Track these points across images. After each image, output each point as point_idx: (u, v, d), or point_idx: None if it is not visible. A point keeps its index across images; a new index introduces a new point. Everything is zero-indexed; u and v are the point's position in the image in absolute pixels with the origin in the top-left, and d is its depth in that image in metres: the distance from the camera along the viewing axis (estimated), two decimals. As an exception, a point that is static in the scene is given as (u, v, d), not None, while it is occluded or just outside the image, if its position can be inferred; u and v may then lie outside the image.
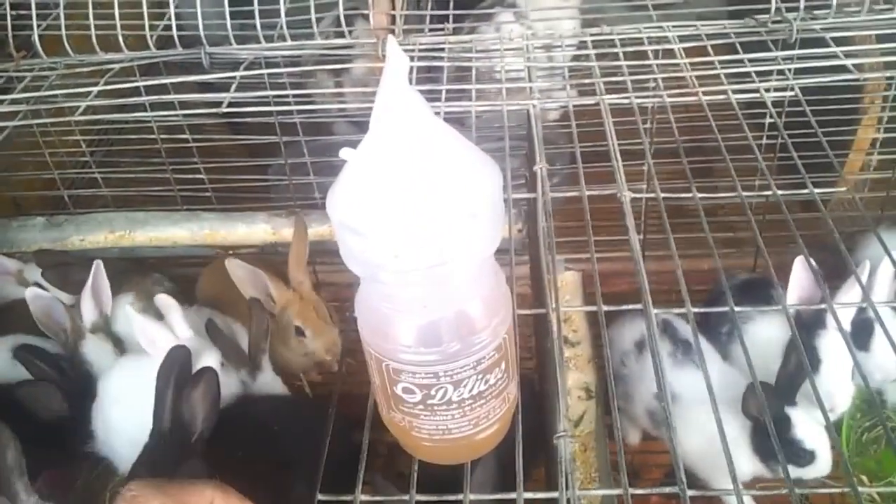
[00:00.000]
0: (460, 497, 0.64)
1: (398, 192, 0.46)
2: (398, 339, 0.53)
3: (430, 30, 1.22)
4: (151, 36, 1.17)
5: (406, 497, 0.65)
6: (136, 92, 1.12)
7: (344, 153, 0.49)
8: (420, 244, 0.46)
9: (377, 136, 0.47)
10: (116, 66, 1.16)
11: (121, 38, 1.14)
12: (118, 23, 1.13)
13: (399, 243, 0.46)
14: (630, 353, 1.20)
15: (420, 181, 0.46)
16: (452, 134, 0.49)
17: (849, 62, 1.03)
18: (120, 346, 1.15)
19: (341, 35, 1.20)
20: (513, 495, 0.63)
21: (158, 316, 1.08)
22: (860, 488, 0.63)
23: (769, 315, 1.11)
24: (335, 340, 1.16)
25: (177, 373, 0.88)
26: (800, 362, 0.92)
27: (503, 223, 0.53)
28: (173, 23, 1.16)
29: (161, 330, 1.04)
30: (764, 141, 1.26)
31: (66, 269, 1.24)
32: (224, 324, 1.18)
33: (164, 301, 1.07)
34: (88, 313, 1.15)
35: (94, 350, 1.12)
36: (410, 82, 1.13)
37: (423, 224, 0.46)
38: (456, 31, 1.23)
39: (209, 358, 1.05)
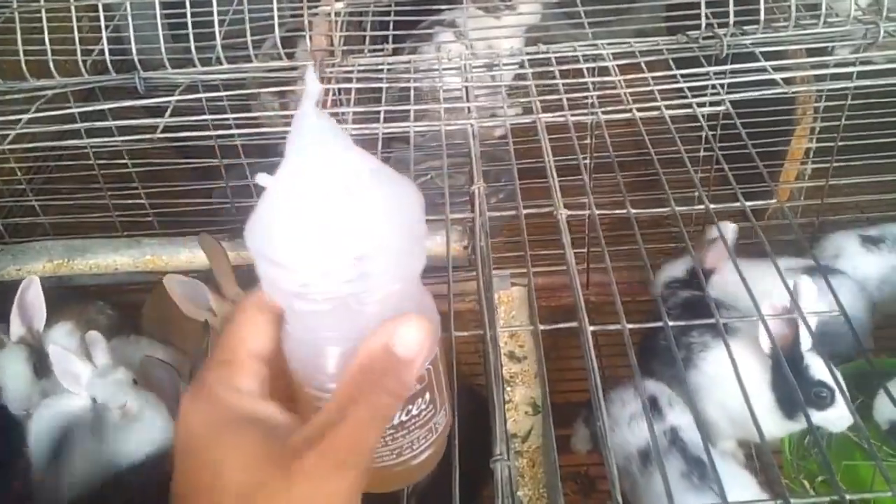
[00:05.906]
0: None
1: (306, 220, 0.45)
2: (316, 367, 0.52)
3: (371, 51, 1.22)
4: (85, 61, 1.15)
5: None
6: (72, 118, 1.10)
7: (260, 179, 0.48)
8: (329, 274, 0.45)
9: (288, 164, 0.46)
10: (49, 92, 1.14)
11: (51, 65, 1.12)
12: (49, 48, 1.11)
13: (308, 272, 0.45)
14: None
15: (330, 209, 0.46)
16: (367, 159, 0.49)
17: (778, 76, 1.06)
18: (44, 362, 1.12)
19: (280, 57, 1.19)
20: (447, 522, 0.62)
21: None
22: (794, 500, 0.63)
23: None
24: None
25: None
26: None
27: (425, 247, 0.53)
28: (106, 48, 1.14)
29: (84, 366, 1.04)
30: (701, 154, 1.29)
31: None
32: (166, 354, 1.17)
33: (93, 337, 1.07)
34: (16, 328, 1.13)
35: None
36: (350, 103, 1.13)
37: (332, 253, 0.45)
38: (397, 52, 1.23)
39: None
